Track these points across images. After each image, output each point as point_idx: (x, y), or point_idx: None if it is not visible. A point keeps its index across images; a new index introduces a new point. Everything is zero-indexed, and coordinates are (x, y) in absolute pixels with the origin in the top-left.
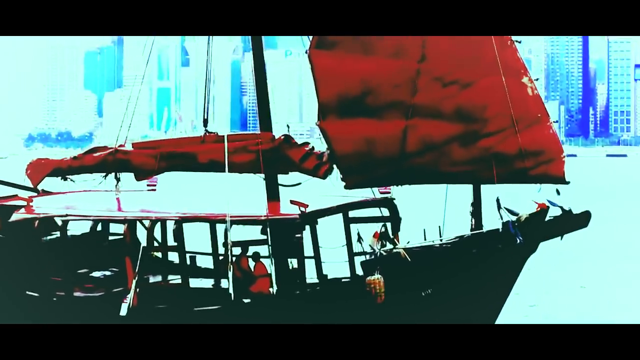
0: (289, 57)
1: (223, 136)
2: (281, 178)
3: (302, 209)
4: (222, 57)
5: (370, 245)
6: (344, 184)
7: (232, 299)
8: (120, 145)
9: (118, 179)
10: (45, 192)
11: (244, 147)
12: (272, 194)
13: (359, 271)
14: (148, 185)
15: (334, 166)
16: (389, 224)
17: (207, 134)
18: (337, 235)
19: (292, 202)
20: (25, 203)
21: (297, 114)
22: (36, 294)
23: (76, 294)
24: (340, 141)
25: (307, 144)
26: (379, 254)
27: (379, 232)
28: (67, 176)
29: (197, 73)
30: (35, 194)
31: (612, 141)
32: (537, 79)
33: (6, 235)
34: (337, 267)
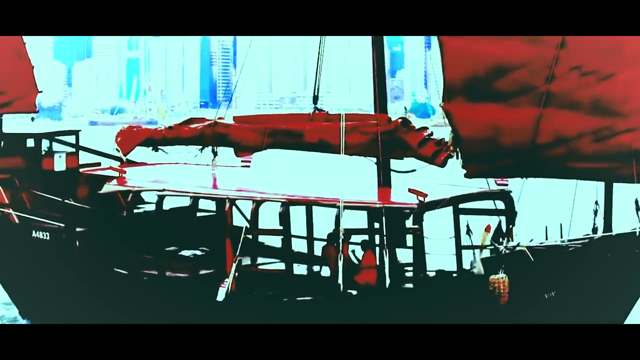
0: None
1: (333, 115)
2: (394, 163)
3: (421, 198)
4: None
5: (491, 241)
6: (464, 172)
7: (342, 289)
8: (220, 118)
9: (215, 153)
10: (131, 163)
11: (356, 127)
12: (384, 180)
13: (466, 265)
14: (242, 161)
15: (453, 154)
16: (503, 218)
17: (317, 111)
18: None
19: (410, 190)
20: (116, 174)
21: (266, 84)
22: (125, 272)
23: (167, 273)
24: (466, 125)
25: (425, 128)
26: (503, 251)
27: (490, 225)
28: (160, 147)
29: (166, 44)
30: (119, 164)
31: None
32: None
33: (93, 207)
34: (442, 260)
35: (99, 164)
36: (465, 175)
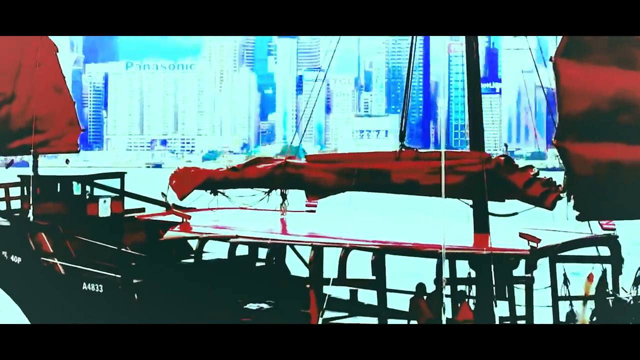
0: (130, 68)
1: (423, 153)
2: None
3: (534, 244)
4: (64, 68)
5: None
6: (576, 214)
7: None
8: (290, 157)
9: (284, 196)
10: (178, 208)
11: (450, 167)
12: (481, 225)
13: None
14: (307, 205)
15: (563, 195)
16: (608, 266)
17: (404, 149)
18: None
19: (522, 235)
20: (175, 219)
21: (137, 126)
22: None
23: None
24: (582, 164)
25: (531, 167)
26: (631, 301)
27: (593, 274)
28: (220, 190)
29: None
30: (165, 209)
31: None
32: None
33: (152, 255)
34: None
35: (143, 209)
36: (578, 218)
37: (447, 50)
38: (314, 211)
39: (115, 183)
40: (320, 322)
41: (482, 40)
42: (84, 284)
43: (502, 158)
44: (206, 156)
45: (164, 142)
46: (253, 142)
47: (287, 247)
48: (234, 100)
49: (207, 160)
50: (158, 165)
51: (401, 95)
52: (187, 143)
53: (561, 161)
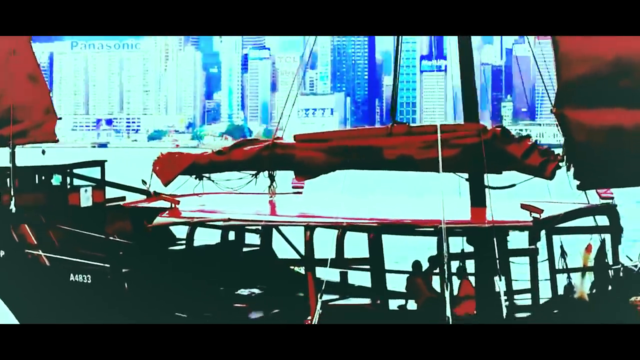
0: (75, 48)
1: (415, 127)
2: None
3: (536, 215)
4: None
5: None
6: (576, 183)
7: (450, 323)
8: (278, 138)
9: (272, 178)
10: (158, 195)
11: (445, 140)
12: (478, 198)
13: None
14: (294, 187)
15: (562, 164)
16: (607, 236)
17: (396, 124)
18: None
19: (523, 206)
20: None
21: (83, 106)
22: (184, 316)
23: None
24: (582, 131)
25: (529, 137)
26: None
27: (592, 245)
28: (205, 174)
29: None
30: (146, 197)
31: None
32: None
33: (140, 243)
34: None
35: (124, 198)
36: (579, 187)
37: None
38: (300, 192)
39: (95, 172)
40: (319, 305)
41: None
42: (71, 274)
43: (499, 129)
44: (152, 135)
45: (109, 122)
46: (199, 121)
47: (274, 230)
48: (180, 79)
49: (153, 139)
50: (104, 145)
51: (346, 74)
52: (133, 122)
53: (560, 129)
